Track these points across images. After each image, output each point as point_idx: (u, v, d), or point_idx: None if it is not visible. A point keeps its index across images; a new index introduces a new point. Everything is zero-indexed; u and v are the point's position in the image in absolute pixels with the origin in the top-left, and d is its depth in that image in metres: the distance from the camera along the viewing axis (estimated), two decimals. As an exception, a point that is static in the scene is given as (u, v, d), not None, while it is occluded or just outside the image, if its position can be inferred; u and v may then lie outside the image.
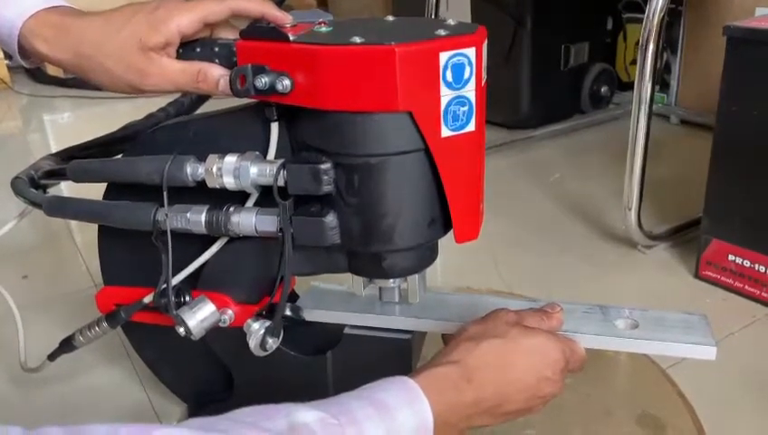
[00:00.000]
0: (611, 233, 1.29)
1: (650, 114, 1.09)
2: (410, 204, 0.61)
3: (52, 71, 2.68)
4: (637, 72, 1.10)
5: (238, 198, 0.65)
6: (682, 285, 1.12)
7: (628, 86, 2.10)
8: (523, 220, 1.38)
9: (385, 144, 0.58)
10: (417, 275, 0.69)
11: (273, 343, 0.67)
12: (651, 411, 0.81)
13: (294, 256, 0.64)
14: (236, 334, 0.70)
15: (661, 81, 1.92)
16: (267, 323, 0.67)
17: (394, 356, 0.70)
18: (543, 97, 1.90)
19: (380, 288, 0.71)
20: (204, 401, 0.81)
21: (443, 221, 0.64)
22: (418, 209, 0.62)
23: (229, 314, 0.71)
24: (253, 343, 0.66)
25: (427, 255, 0.67)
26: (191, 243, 0.69)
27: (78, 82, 2.50)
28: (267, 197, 0.63)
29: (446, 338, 0.68)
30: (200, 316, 0.68)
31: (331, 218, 0.62)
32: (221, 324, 0.71)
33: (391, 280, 0.70)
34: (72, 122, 2.36)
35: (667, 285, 1.12)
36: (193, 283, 0.72)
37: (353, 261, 0.67)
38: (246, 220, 0.64)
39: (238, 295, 0.71)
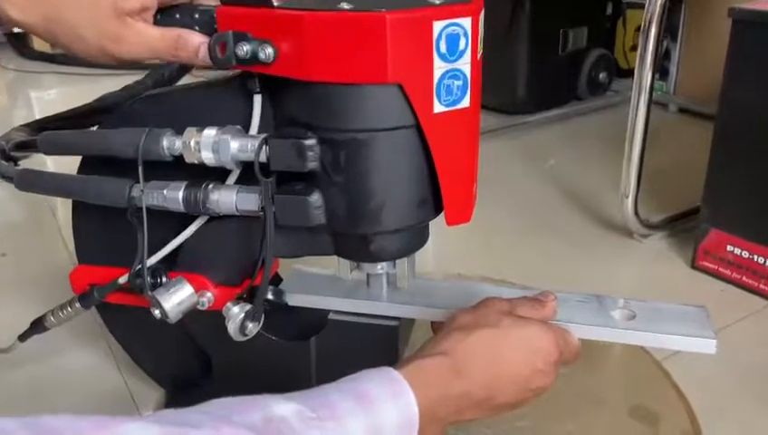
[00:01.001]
0: (607, 221, 1.26)
1: (650, 102, 1.07)
2: (400, 183, 0.58)
3: (39, 45, 2.63)
4: (637, 58, 1.07)
5: (219, 174, 0.62)
6: (679, 276, 1.09)
7: (627, 73, 2.07)
8: (517, 206, 1.35)
9: (373, 119, 0.55)
10: (405, 260, 0.66)
11: (253, 328, 0.63)
12: (645, 403, 0.79)
13: (277, 237, 0.61)
14: (215, 318, 0.66)
15: (660, 68, 1.89)
16: (247, 307, 0.64)
17: (380, 344, 0.67)
18: (540, 82, 1.87)
19: (368, 273, 0.68)
20: (182, 387, 0.78)
21: (434, 202, 0.60)
22: (408, 189, 0.58)
23: (208, 297, 0.68)
24: (232, 327, 0.63)
25: (416, 238, 0.64)
26: (169, 221, 0.65)
27: (66, 58, 2.45)
28: (249, 174, 0.59)
29: (436, 326, 0.65)
30: (177, 298, 0.65)
31: (315, 197, 0.59)
32: (199, 307, 0.67)
33: (379, 265, 0.66)
34: (58, 99, 2.31)
35: (663, 275, 1.10)
36: (170, 263, 0.68)
37: (339, 243, 0.64)
38: (226, 198, 0.61)
39: (218, 277, 0.68)
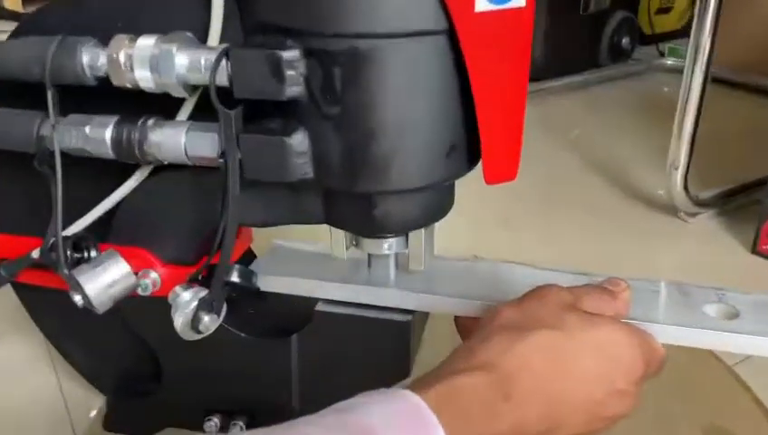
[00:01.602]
0: (644, 197, 1.09)
1: (708, 65, 0.95)
2: (421, 119, 0.40)
3: (9, 4, 2.42)
4: (695, 19, 0.94)
5: (164, 106, 0.44)
6: (737, 262, 0.92)
7: (651, 40, 1.88)
8: (541, 180, 1.17)
9: (386, 18, 0.37)
10: (423, 232, 0.48)
11: (209, 322, 0.46)
12: (720, 423, 0.62)
13: (244, 197, 0.43)
14: (164, 308, 0.48)
15: (691, 33, 1.71)
16: (203, 293, 0.46)
17: (386, 346, 0.50)
18: (558, 45, 1.67)
19: (370, 252, 0.50)
20: (125, 394, 0.60)
21: (467, 150, 0.43)
22: (432, 128, 0.41)
23: (152, 279, 0.50)
24: (180, 320, 0.45)
25: (439, 201, 0.46)
26: (101, 175, 0.48)
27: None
28: (205, 105, 0.41)
29: (462, 324, 0.48)
30: (105, 279, 0.47)
31: (298, 139, 0.41)
32: (140, 292, 0.50)
33: (386, 240, 0.48)
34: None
35: (717, 260, 0.92)
36: (104, 233, 0.50)
37: (331, 207, 0.46)
38: (171, 140, 0.43)
39: (165, 252, 0.50)
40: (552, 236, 0.99)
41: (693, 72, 0.95)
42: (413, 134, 0.40)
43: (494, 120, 0.41)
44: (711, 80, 1.71)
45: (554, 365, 0.37)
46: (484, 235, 0.97)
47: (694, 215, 1.00)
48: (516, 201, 1.06)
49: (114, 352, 0.60)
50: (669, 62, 1.76)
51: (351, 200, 0.44)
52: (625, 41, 1.81)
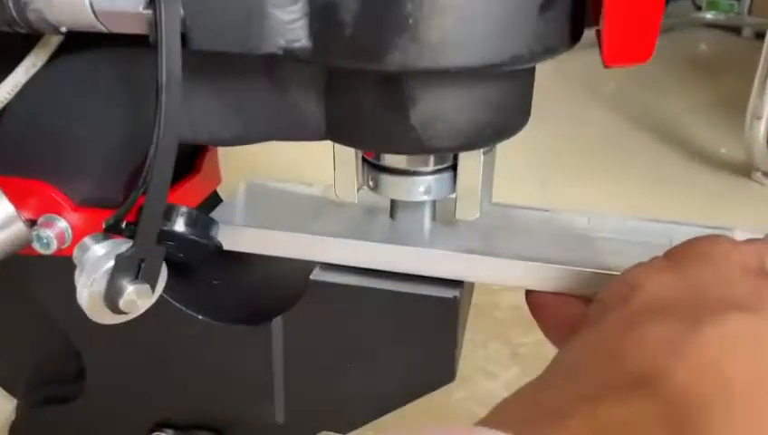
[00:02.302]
0: (705, 157, 0.91)
1: None
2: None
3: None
4: None
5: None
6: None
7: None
8: (578, 136, 1.00)
9: None
10: (482, 158, 0.30)
11: (135, 295, 0.28)
12: None
13: (194, 90, 0.25)
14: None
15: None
16: (125, 248, 0.28)
17: (419, 335, 0.32)
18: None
19: (394, 197, 0.33)
20: (39, 399, 0.43)
21: (571, 10, 0.25)
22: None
23: (59, 229, 0.32)
24: (86, 290, 0.27)
25: (516, 101, 0.29)
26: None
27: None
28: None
29: (542, 304, 0.30)
30: (-30, 226, 0.29)
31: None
32: (41, 250, 0.32)
33: (422, 182, 0.31)
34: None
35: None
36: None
37: (338, 106, 0.28)
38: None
39: (79, 188, 0.32)
40: (600, 204, 0.82)
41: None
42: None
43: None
44: (754, 35, 1.55)
45: (753, 372, 0.20)
46: (519, 197, 0.79)
47: (773, 175, 0.83)
48: (554, 165, 0.89)
49: (21, 340, 0.42)
50: (708, 16, 1.57)
51: (373, 92, 0.26)
52: (657, -8, 1.62)
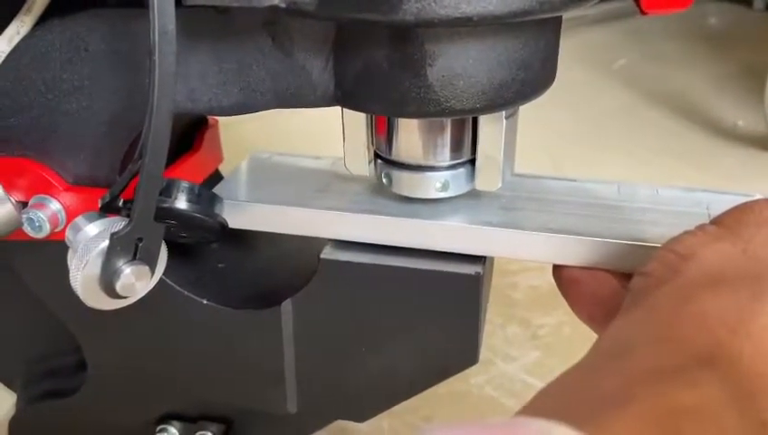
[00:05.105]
0: (719, 129, 0.89)
1: None
2: None
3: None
4: None
5: None
6: None
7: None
8: (589, 112, 0.97)
9: None
10: (504, 123, 0.28)
11: (134, 278, 0.26)
12: None
13: (192, 50, 0.23)
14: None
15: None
16: (120, 227, 0.26)
17: (438, 314, 0.30)
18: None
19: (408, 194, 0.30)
20: (39, 392, 0.41)
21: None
22: None
23: (51, 211, 0.30)
24: (79, 275, 0.25)
25: (541, 57, 0.26)
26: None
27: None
28: None
29: (572, 279, 0.28)
30: (-47, 207, 0.27)
31: None
32: (32, 233, 0.30)
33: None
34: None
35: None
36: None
37: (347, 67, 0.26)
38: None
39: (72, 166, 0.30)
40: (604, 175, 0.80)
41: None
42: None
43: None
44: (765, 7, 1.52)
45: None
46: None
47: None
48: (566, 143, 0.86)
49: (20, 330, 0.40)
50: (717, -12, 1.54)
51: (387, 48, 0.24)
52: (664, -34, 1.59)
